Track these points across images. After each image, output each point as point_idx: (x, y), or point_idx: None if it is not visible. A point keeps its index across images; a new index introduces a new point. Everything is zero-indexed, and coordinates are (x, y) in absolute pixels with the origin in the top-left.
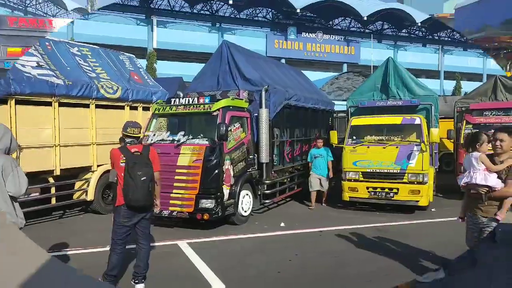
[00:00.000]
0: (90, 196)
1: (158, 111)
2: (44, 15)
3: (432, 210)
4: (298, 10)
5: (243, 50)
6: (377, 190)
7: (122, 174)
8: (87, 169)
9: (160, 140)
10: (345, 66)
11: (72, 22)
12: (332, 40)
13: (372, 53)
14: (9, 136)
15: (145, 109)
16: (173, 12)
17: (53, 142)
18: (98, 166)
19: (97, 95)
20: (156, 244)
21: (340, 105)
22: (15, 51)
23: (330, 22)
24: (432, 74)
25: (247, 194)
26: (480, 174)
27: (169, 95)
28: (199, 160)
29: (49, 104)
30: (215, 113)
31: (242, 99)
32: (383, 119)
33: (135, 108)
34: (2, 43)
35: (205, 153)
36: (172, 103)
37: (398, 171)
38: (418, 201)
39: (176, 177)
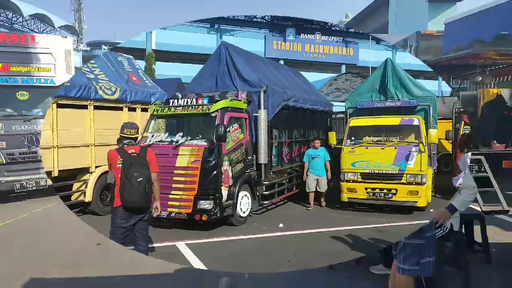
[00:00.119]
0: (88, 198)
1: (157, 112)
2: (30, 32)
3: (431, 210)
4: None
5: (242, 51)
6: (375, 191)
7: (119, 176)
8: (85, 170)
9: (159, 141)
10: (343, 67)
11: None
12: (331, 41)
13: (371, 54)
14: None
15: (144, 110)
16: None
17: (51, 143)
18: (96, 167)
19: (95, 96)
20: (155, 245)
21: (338, 106)
22: None
23: (329, 23)
24: (430, 75)
25: (246, 195)
26: None
27: (167, 96)
28: (198, 161)
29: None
30: (213, 114)
31: (240, 100)
32: (381, 120)
33: (134, 110)
34: None
35: (203, 154)
36: (171, 104)
37: (397, 172)
38: (416, 202)
39: (175, 178)
